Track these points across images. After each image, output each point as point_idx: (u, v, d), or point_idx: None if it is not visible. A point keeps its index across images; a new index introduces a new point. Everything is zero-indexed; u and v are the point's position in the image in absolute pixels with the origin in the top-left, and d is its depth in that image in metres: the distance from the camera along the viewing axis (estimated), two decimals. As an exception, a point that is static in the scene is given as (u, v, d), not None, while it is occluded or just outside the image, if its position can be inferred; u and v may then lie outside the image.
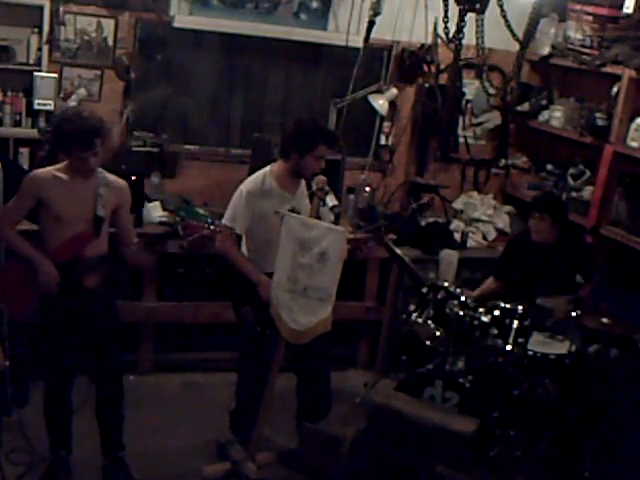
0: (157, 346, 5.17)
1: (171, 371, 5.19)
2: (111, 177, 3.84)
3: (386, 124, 5.82)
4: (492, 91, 4.55)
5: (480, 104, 6.02)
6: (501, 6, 3.52)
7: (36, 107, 4.84)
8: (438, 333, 4.38)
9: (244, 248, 4.16)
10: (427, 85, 5.78)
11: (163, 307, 5.06)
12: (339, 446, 4.06)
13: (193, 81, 5.49)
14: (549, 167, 5.99)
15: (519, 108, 5.99)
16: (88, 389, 3.98)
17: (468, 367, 4.31)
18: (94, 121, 3.67)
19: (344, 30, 5.45)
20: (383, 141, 5.87)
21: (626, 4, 5.01)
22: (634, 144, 4.95)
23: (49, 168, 3.77)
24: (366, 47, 5.35)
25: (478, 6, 3.51)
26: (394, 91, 5.46)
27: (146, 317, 5.03)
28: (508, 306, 4.34)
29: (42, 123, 4.88)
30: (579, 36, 5.41)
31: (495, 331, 4.28)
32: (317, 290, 3.91)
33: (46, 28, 4.91)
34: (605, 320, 4.16)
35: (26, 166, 4.86)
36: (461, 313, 4.33)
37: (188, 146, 5.54)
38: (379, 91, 5.40)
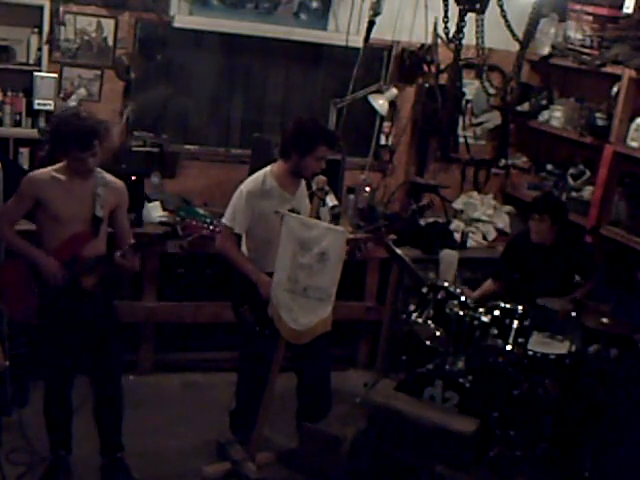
0: (157, 346, 5.17)
1: (171, 371, 5.19)
2: (109, 177, 3.84)
3: (386, 124, 5.82)
4: (492, 91, 4.55)
5: (480, 104, 6.02)
6: (501, 6, 3.53)
7: (36, 107, 4.84)
8: (438, 333, 4.38)
9: (244, 248, 4.16)
10: (427, 85, 5.78)
11: (163, 307, 5.06)
12: (339, 446, 4.06)
13: (193, 81, 5.48)
14: (549, 167, 5.99)
15: (519, 108, 5.99)
16: (88, 389, 3.98)
17: (468, 367, 4.31)
18: (92, 122, 3.67)
19: (344, 30, 5.45)
20: (383, 141, 5.86)
21: (626, 4, 5.01)
22: (634, 144, 4.95)
23: (47, 168, 3.77)
24: (366, 47, 5.35)
25: (478, 6, 3.52)
26: (394, 91, 5.46)
27: (146, 317, 5.03)
28: (508, 306, 4.34)
29: (42, 123, 4.88)
30: (579, 36, 5.41)
31: (495, 331, 4.29)
32: (317, 290, 3.91)
33: (46, 28, 4.91)
34: (605, 320, 4.16)
35: (26, 166, 4.86)
36: (461, 313, 4.33)
37: (188, 146, 5.54)
38: (379, 91, 5.39)
